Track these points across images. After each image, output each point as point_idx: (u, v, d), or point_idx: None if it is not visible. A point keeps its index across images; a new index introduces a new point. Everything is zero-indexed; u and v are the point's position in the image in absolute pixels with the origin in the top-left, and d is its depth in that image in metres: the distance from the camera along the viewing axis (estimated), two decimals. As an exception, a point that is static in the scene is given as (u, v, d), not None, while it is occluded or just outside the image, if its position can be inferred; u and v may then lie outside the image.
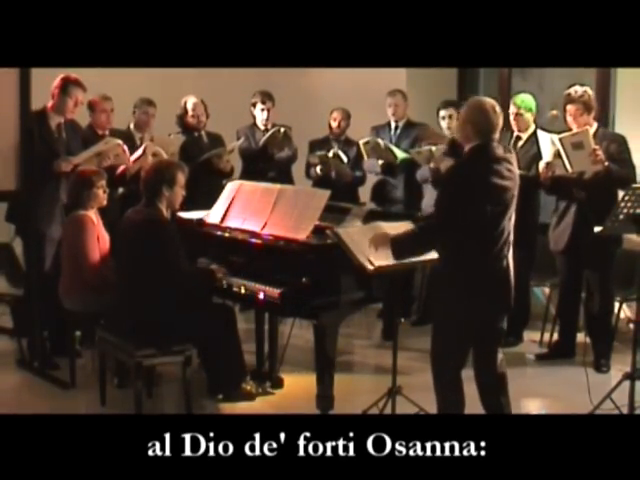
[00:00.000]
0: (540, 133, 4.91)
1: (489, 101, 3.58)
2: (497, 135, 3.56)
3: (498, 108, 3.55)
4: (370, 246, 3.68)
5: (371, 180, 6.32)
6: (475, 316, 3.57)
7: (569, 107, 4.86)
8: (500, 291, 3.57)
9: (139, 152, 5.26)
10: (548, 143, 4.82)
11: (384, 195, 6.14)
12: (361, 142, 6.02)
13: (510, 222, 3.56)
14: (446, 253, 3.60)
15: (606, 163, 4.67)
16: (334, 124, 6.31)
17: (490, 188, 3.44)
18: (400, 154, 5.91)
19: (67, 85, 4.91)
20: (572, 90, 4.87)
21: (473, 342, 3.69)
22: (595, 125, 4.89)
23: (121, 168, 5.18)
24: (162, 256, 4.14)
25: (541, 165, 4.90)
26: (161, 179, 4.25)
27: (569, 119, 4.88)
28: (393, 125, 6.16)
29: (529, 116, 5.36)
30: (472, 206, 3.43)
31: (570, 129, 4.84)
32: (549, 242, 5.19)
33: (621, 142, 4.86)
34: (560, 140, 4.70)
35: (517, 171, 3.59)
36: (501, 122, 3.55)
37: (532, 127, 5.37)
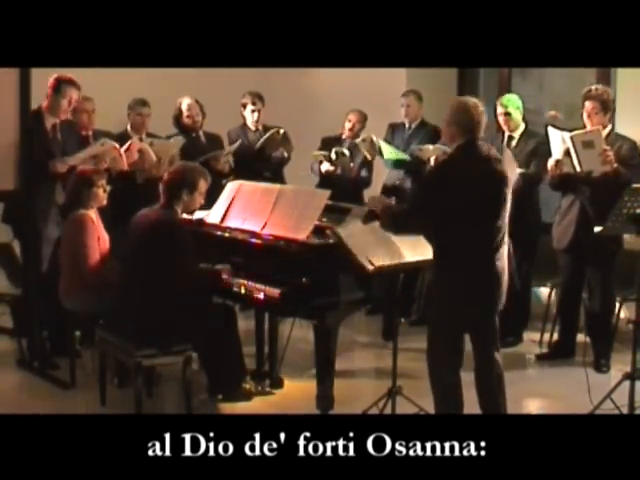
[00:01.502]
0: (551, 130, 4.89)
1: (472, 100, 3.66)
2: (482, 133, 3.60)
3: (481, 107, 3.60)
4: (370, 204, 3.79)
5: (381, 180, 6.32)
6: (466, 316, 3.61)
7: (587, 104, 4.84)
8: (489, 290, 3.59)
9: (123, 148, 5.24)
10: (559, 141, 4.80)
11: (394, 194, 6.13)
12: (358, 140, 6.04)
13: (503, 222, 3.58)
14: (435, 253, 3.63)
15: (615, 165, 4.66)
16: (348, 125, 6.26)
17: (474, 187, 3.46)
18: (389, 154, 5.92)
19: (60, 85, 4.87)
20: (593, 87, 4.87)
21: (471, 342, 3.72)
22: (609, 127, 4.88)
23: (104, 166, 5.10)
24: (174, 257, 4.14)
25: (550, 162, 4.88)
26: (183, 183, 4.26)
27: (585, 116, 4.87)
28: (407, 126, 6.18)
29: (517, 114, 5.38)
30: (452, 204, 3.45)
31: (585, 126, 4.83)
32: (552, 240, 5.18)
33: (633, 147, 4.84)
34: (571, 138, 4.68)
35: (508, 171, 3.61)
36: (485, 119, 3.61)
37: (522, 125, 5.39)
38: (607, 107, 4.83)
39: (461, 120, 3.56)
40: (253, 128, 6.14)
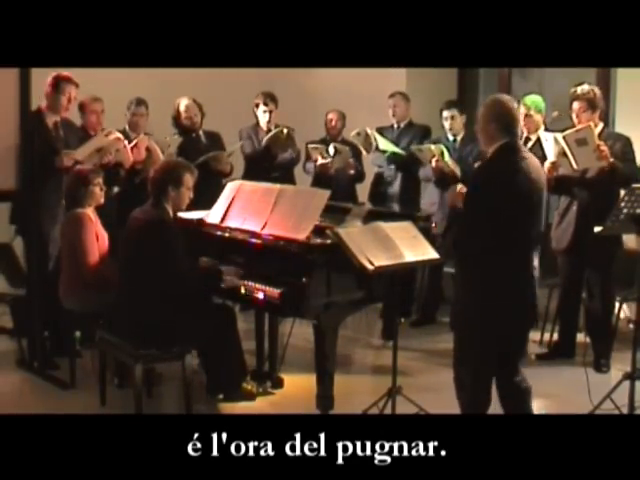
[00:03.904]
0: (542, 133, 4.90)
1: (507, 97, 3.57)
2: (519, 132, 3.51)
3: (515, 103, 3.51)
4: None
5: (369, 178, 6.35)
6: (497, 322, 3.43)
7: (574, 104, 4.86)
8: (524, 297, 3.46)
9: (131, 145, 5.26)
10: (552, 142, 4.81)
11: (381, 193, 6.17)
12: (352, 134, 6.07)
13: (540, 224, 3.55)
14: (470, 256, 3.48)
15: (611, 159, 4.67)
16: (330, 125, 6.37)
17: (520, 188, 3.35)
18: (386, 146, 5.95)
19: (59, 83, 4.93)
20: (578, 88, 4.88)
21: (496, 349, 3.53)
22: (601, 125, 4.89)
23: (110, 158, 5.12)
24: (164, 257, 4.14)
25: (546, 165, 4.88)
26: (168, 179, 4.25)
27: (574, 117, 4.88)
28: (395, 126, 6.21)
29: (539, 117, 5.37)
30: (502, 208, 3.33)
31: (575, 126, 4.84)
32: (551, 241, 5.18)
33: (626, 143, 4.85)
34: (564, 138, 4.69)
35: (543, 172, 3.60)
36: (521, 116, 3.52)
37: (542, 128, 5.37)
38: (594, 105, 4.83)
39: (500, 116, 3.41)
40: (265, 128, 6.15)
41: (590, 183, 4.83)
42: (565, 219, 5.04)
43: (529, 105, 5.35)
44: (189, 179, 4.29)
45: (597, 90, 4.88)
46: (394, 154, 6.02)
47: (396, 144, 6.06)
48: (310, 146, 6.23)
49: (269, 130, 6.11)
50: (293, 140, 6.12)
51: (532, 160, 3.48)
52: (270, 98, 6.11)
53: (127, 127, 5.69)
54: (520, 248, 3.44)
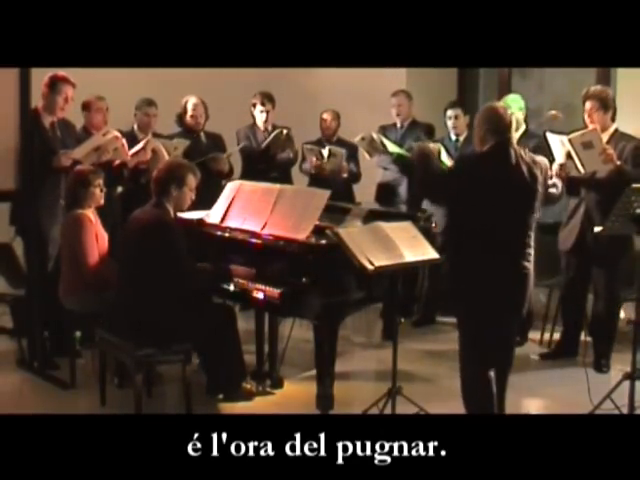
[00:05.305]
0: (550, 135, 4.88)
1: (499, 104, 3.85)
2: (512, 136, 3.70)
3: (510, 111, 3.76)
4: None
5: (373, 179, 6.34)
6: (490, 315, 3.63)
7: (586, 104, 4.86)
8: (513, 290, 3.64)
9: (139, 146, 5.26)
10: (558, 145, 4.79)
11: (388, 194, 6.16)
12: (357, 139, 6.05)
13: (530, 223, 3.65)
14: (462, 251, 3.67)
15: (618, 162, 4.66)
16: (324, 125, 6.37)
17: (502, 186, 3.53)
18: (393, 148, 5.94)
19: (55, 83, 4.92)
20: (591, 87, 4.89)
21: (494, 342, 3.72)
22: (614, 126, 4.88)
23: (117, 163, 5.14)
24: (166, 257, 4.14)
25: (554, 167, 4.87)
26: (171, 178, 4.24)
27: (586, 117, 4.89)
28: (399, 125, 6.20)
29: (520, 115, 5.41)
30: (476, 202, 3.52)
31: (585, 127, 4.84)
32: (549, 241, 5.18)
33: (638, 145, 4.84)
34: (569, 140, 4.67)
35: (539, 174, 3.68)
36: (513, 122, 3.72)
37: (523, 126, 5.40)
38: (606, 105, 4.83)
39: (490, 120, 3.65)
40: (262, 128, 6.14)
41: (599, 185, 4.81)
42: (572, 220, 5.03)
43: (509, 104, 5.38)
44: (192, 180, 4.30)
45: (609, 90, 4.89)
46: (399, 156, 6.01)
47: (400, 144, 6.05)
48: (306, 147, 6.21)
49: (266, 130, 6.11)
50: (292, 140, 6.11)
51: (524, 165, 3.62)
52: (267, 98, 6.10)
53: (136, 127, 5.68)
54: (505, 241, 3.59)
